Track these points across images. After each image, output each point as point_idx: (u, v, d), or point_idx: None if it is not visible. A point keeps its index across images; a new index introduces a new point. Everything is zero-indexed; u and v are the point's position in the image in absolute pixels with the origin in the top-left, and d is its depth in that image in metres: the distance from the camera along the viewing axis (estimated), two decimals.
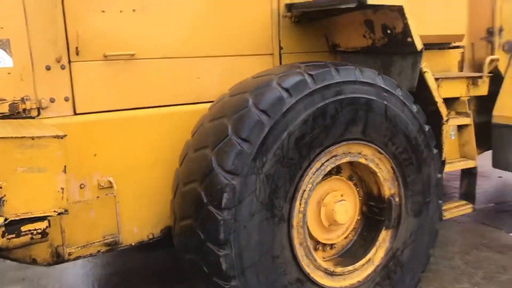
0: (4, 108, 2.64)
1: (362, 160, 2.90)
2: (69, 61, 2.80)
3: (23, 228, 2.15)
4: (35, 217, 2.16)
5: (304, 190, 2.69)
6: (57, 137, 2.18)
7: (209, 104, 3.04)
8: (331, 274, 2.86)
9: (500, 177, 6.42)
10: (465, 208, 3.73)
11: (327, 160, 2.76)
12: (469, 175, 3.83)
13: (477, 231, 4.69)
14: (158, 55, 3.06)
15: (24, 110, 2.68)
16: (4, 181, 2.08)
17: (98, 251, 2.92)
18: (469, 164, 3.76)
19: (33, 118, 2.72)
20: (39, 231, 2.19)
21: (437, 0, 3.70)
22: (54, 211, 2.20)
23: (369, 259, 3.01)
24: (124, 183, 2.91)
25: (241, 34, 3.35)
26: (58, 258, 2.80)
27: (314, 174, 2.71)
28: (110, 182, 2.84)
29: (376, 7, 3.09)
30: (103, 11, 2.87)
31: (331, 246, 3.04)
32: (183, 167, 2.75)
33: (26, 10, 2.66)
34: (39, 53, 2.72)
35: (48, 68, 2.75)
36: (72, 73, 2.82)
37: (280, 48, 3.50)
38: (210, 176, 2.47)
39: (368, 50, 3.51)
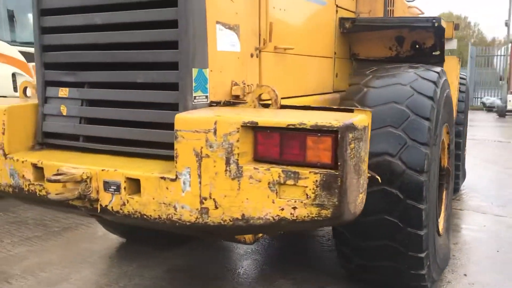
0: (238, 91, 2.74)
1: (446, 137, 3.93)
2: (259, 51, 3.02)
3: None
4: None
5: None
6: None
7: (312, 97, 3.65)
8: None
9: None
10: None
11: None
12: None
13: None
14: (300, 52, 3.48)
15: (245, 94, 2.81)
16: None
17: None
18: None
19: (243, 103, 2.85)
20: None
21: None
22: None
23: (440, 210, 4.03)
24: None
25: (325, 40, 3.98)
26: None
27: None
28: None
29: (428, 28, 4.13)
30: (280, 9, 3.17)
31: None
32: None
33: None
34: (249, 42, 2.89)
35: (251, 55, 2.93)
36: (261, 61, 3.03)
37: (335, 53, 4.23)
38: (406, 148, 3.11)
39: (388, 59, 4.52)
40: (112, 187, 2.41)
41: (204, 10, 2.44)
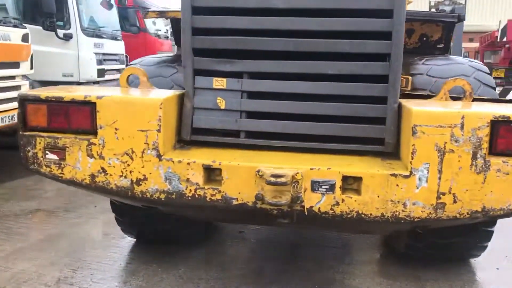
0: (403, 82, 2.75)
1: None
2: None
3: None
4: None
5: None
6: None
7: None
8: None
9: None
10: None
11: None
12: None
13: None
14: None
15: None
16: None
17: None
18: None
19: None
20: None
21: None
22: None
23: None
24: None
25: None
26: None
27: None
28: None
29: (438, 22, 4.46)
30: None
31: None
32: None
33: None
34: None
35: None
36: None
37: None
38: None
39: None
40: (323, 186, 2.25)
41: None
